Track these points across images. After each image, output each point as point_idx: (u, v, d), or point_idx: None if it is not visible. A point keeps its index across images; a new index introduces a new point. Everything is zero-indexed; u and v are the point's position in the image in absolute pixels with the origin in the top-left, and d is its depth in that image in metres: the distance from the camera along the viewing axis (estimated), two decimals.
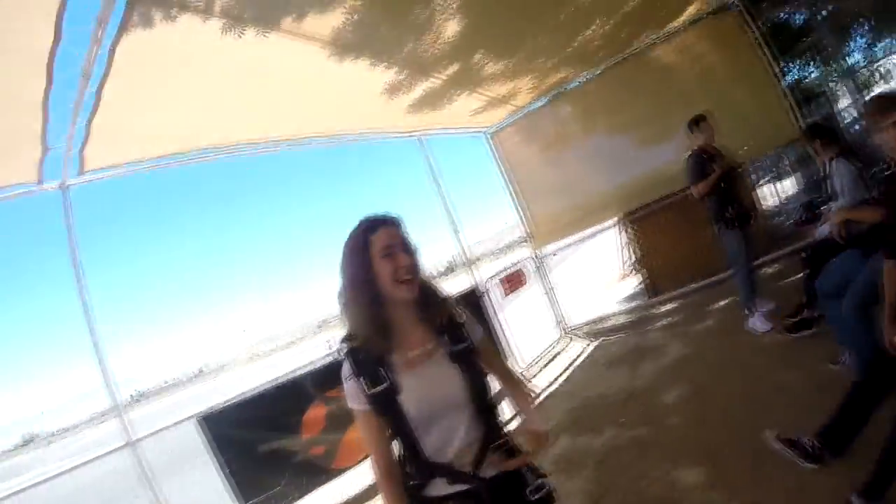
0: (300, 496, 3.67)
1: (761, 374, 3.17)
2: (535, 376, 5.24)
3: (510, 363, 5.29)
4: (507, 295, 5.68)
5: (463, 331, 1.31)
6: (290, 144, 4.28)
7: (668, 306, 5.59)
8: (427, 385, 1.22)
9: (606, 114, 5.92)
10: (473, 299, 5.19)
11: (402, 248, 1.26)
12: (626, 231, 6.46)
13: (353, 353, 1.24)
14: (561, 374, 4.95)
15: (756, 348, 3.58)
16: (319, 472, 3.75)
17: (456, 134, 6.07)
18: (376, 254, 1.24)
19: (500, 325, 5.37)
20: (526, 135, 6.35)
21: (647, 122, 5.62)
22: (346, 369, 1.24)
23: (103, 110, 2.67)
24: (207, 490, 4.21)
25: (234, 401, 3.67)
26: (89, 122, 2.73)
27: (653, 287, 6.15)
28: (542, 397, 4.52)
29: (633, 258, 8.02)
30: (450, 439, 1.22)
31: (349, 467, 3.87)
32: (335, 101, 3.99)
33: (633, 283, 7.40)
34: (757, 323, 3.78)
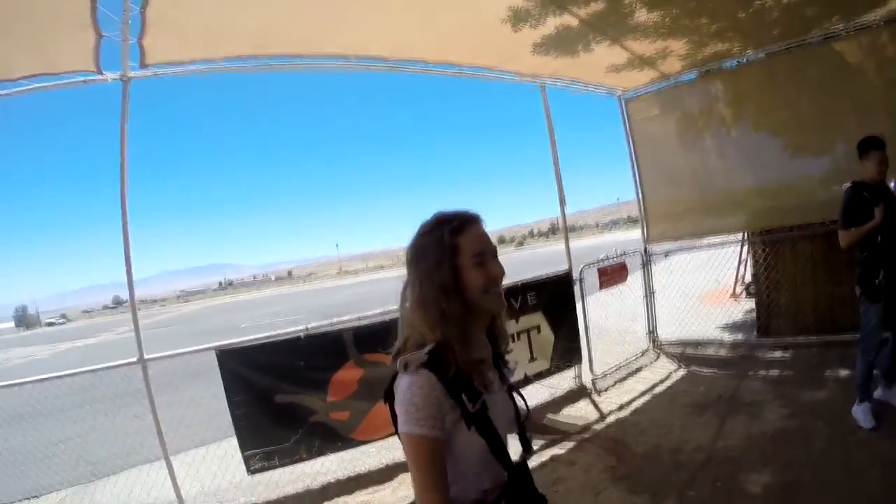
0: (307, 458, 3.37)
1: (862, 470, 2.65)
2: (607, 389, 4.57)
3: (581, 368, 4.74)
4: (602, 288, 5.00)
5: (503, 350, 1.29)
6: (390, 65, 3.74)
7: (778, 353, 4.73)
8: (503, 404, 1.19)
9: (762, 106, 4.85)
10: (564, 284, 4.69)
11: (493, 254, 1.16)
12: (754, 251, 5.37)
13: (435, 367, 1.05)
14: (634, 400, 4.23)
15: (862, 441, 2.96)
16: (336, 437, 3.39)
17: (585, 90, 5.21)
18: (467, 261, 1.12)
19: (586, 320, 4.79)
20: (665, 108, 5.39)
21: (809, 127, 4.60)
22: (427, 384, 1.04)
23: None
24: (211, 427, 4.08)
25: (259, 340, 3.36)
26: (143, 8, 2.44)
27: (766, 324, 5.19)
28: (605, 421, 3.86)
29: (751, 282, 6.86)
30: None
31: (369, 440, 3.50)
32: (452, 25, 3.42)
33: (742, 308, 6.43)
34: (860, 414, 3.17)
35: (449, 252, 1.10)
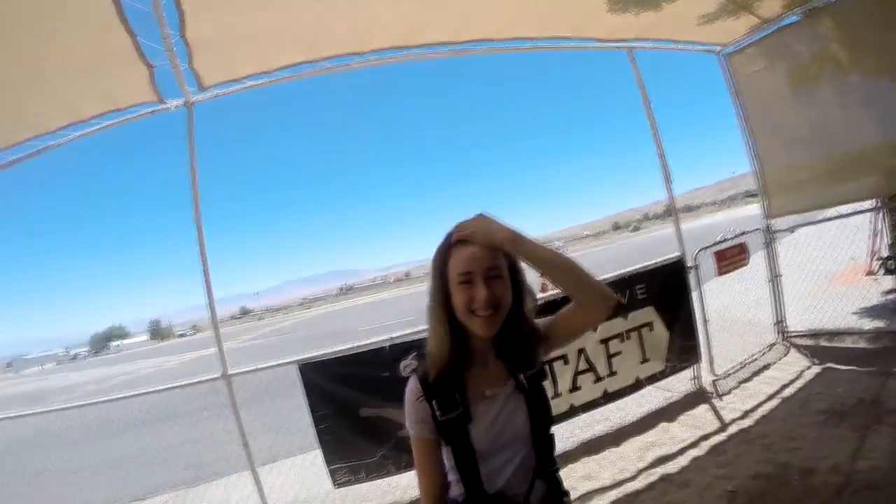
0: (396, 472, 3.24)
1: None
2: (729, 392, 4.00)
3: (699, 368, 4.20)
4: (719, 273, 4.39)
5: (538, 355, 1.23)
6: (454, 49, 3.48)
7: None
8: (498, 418, 1.17)
9: (883, 43, 4.00)
10: (677, 272, 4.10)
11: (484, 275, 1.12)
12: (893, 218, 4.47)
13: (423, 374, 1.18)
14: (761, 406, 3.63)
15: None
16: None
17: (680, 49, 4.62)
18: (453, 278, 1.14)
19: (703, 312, 4.22)
20: (772, 60, 4.65)
21: None
22: (413, 390, 1.19)
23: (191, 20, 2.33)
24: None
25: (342, 353, 3.27)
26: (182, 34, 2.43)
27: None
28: (727, 431, 3.35)
29: (890, 256, 5.81)
30: (505, 469, 1.16)
31: None
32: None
33: (880, 288, 5.43)
34: None
35: (440, 265, 1.16)
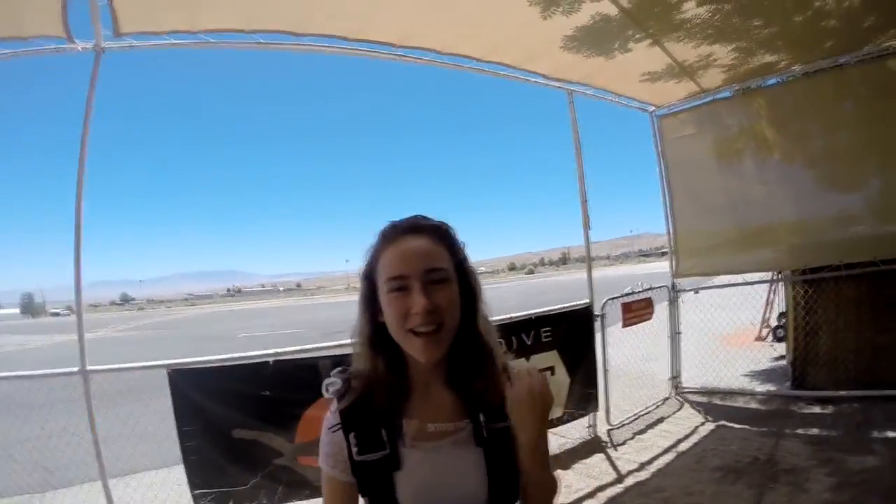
0: None
1: None
2: (624, 443, 4.03)
3: (596, 416, 4.20)
4: (625, 325, 4.47)
5: (506, 402, 0.90)
6: (396, 53, 3.32)
7: (816, 408, 4.25)
8: (438, 470, 0.87)
9: (806, 130, 4.42)
10: (584, 319, 4.13)
11: (422, 279, 0.83)
12: (794, 291, 4.84)
13: (345, 398, 0.91)
14: (656, 459, 3.66)
15: None
16: (304, 485, 2.87)
17: (615, 101, 4.73)
18: (382, 284, 0.86)
19: (605, 362, 4.30)
20: (701, 128, 4.91)
21: (857, 156, 4.19)
22: (329, 417, 0.92)
23: None
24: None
25: (220, 363, 2.88)
26: None
27: (801, 375, 4.69)
28: (623, 484, 3.32)
29: (779, 326, 6.31)
30: None
31: None
32: (471, 10, 2.97)
33: (770, 353, 5.86)
34: None
35: (369, 267, 0.91)
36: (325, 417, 0.94)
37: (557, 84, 4.13)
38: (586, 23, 3.13)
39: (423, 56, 3.35)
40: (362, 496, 0.89)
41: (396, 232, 0.89)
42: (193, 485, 2.78)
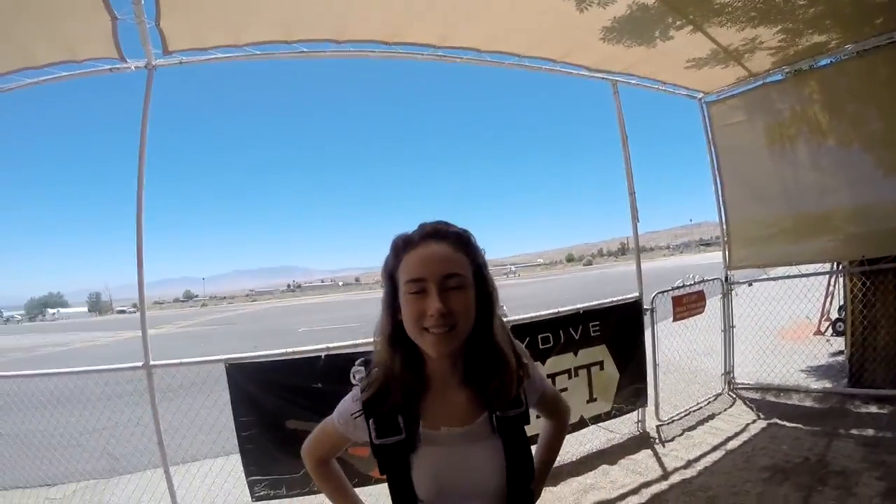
0: (320, 491, 2.96)
1: None
2: (673, 439, 3.95)
3: (645, 412, 4.16)
4: (676, 319, 4.38)
5: (521, 394, 1.02)
6: (437, 54, 3.34)
7: (873, 408, 4.05)
8: (455, 461, 0.95)
9: (862, 112, 4.15)
10: (633, 313, 4.07)
11: (440, 284, 0.90)
12: (851, 283, 4.57)
13: (367, 389, 0.99)
14: (704, 456, 3.58)
15: None
16: (353, 474, 2.96)
17: (662, 90, 4.60)
18: (402, 285, 0.93)
19: (654, 355, 4.23)
20: (752, 114, 4.71)
21: None
22: (351, 402, 1.03)
23: None
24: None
25: (275, 357, 3.03)
26: None
27: (859, 372, 4.45)
28: (668, 480, 3.26)
29: (839, 319, 6.00)
30: None
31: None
32: (507, 7, 2.96)
33: (828, 348, 5.58)
34: None
35: (390, 269, 0.98)
36: (348, 401, 1.05)
37: (601, 76, 4.07)
38: (623, 13, 3.07)
39: (464, 55, 3.36)
40: (381, 473, 0.98)
41: (419, 236, 0.95)
42: (249, 472, 2.94)
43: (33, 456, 4.73)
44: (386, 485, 2.63)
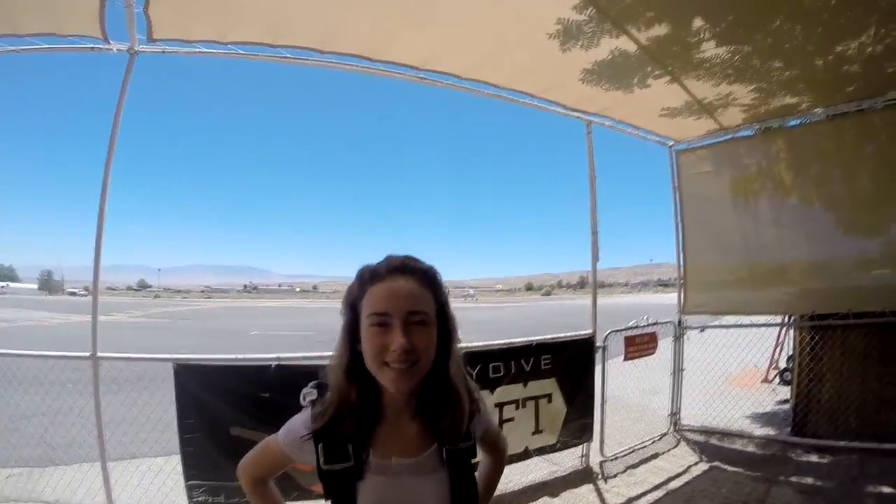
0: None
1: None
2: (615, 475, 4.00)
3: (590, 446, 4.20)
4: (627, 359, 4.44)
5: (470, 429, 1.04)
6: (417, 75, 3.38)
7: (814, 457, 4.17)
8: (402, 489, 0.96)
9: (824, 173, 4.37)
10: (585, 350, 4.13)
11: (404, 320, 0.90)
12: (801, 336, 4.74)
13: (319, 417, 0.97)
14: (646, 495, 3.64)
15: None
16: (294, 487, 2.89)
17: (635, 134, 4.74)
18: (365, 317, 0.93)
19: (603, 392, 4.29)
20: (719, 165, 4.89)
21: (875, 202, 4.13)
22: (300, 426, 1.00)
23: None
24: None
25: (225, 361, 2.99)
26: None
27: (802, 421, 4.61)
28: None
29: (787, 369, 6.21)
30: None
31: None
32: (491, 38, 3.03)
33: (774, 397, 5.81)
34: None
35: (353, 299, 0.97)
36: (297, 422, 1.02)
37: (576, 114, 4.16)
38: (605, 57, 3.16)
39: (444, 79, 3.41)
40: (326, 498, 0.97)
41: (386, 269, 0.94)
42: (188, 475, 2.87)
43: None
44: (325, 499, 2.60)
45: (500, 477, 1.30)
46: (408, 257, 0.98)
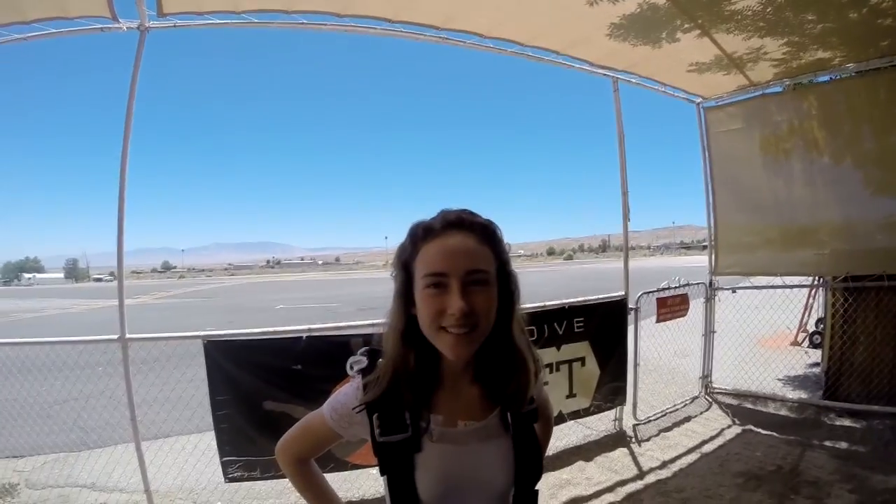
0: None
1: None
2: (649, 439, 3.99)
3: (623, 410, 4.20)
4: (659, 320, 4.38)
5: (529, 388, 0.93)
6: (439, 35, 3.26)
7: (847, 421, 4.10)
8: (462, 463, 0.88)
9: (858, 131, 4.21)
10: (618, 312, 4.08)
11: (462, 280, 0.81)
12: (833, 297, 4.64)
13: (373, 386, 0.89)
14: (680, 458, 3.61)
15: None
16: (329, 458, 2.90)
17: (662, 91, 4.60)
18: (419, 279, 0.84)
19: (636, 355, 4.24)
20: (749, 123, 4.73)
21: None
22: (352, 395, 0.93)
23: None
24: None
25: (254, 336, 2.97)
26: None
27: (834, 385, 4.50)
28: (643, 480, 3.29)
29: (816, 332, 6.11)
30: None
31: (367, 467, 3.01)
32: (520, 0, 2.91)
33: (804, 360, 5.70)
34: None
35: (405, 259, 0.88)
36: (348, 393, 0.95)
37: (602, 71, 4.04)
38: (633, 11, 3.03)
39: (467, 39, 3.29)
40: (382, 475, 0.90)
41: (441, 225, 0.85)
42: (223, 451, 2.89)
43: (1, 427, 4.63)
44: (362, 471, 2.60)
45: (548, 444, 1.23)
46: (464, 211, 0.88)
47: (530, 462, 0.92)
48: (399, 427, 0.88)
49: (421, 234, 0.86)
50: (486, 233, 0.87)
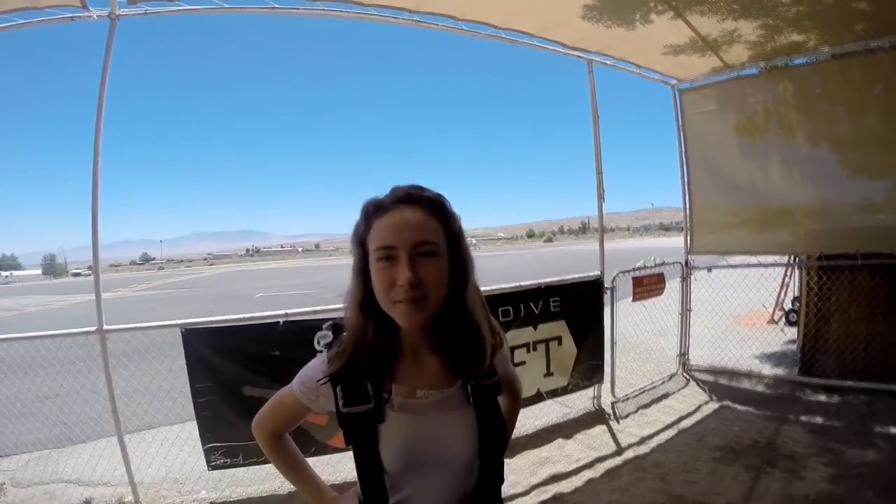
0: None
1: None
2: (627, 416, 4.07)
3: (601, 388, 4.27)
4: (635, 299, 4.46)
5: (494, 365, 0.99)
6: (413, 18, 3.26)
7: (822, 396, 4.20)
8: (425, 433, 0.91)
9: (832, 114, 4.27)
10: (594, 291, 4.14)
11: (410, 252, 0.85)
12: (808, 276, 4.72)
13: (336, 358, 0.93)
14: (658, 434, 3.70)
15: None
16: (310, 442, 2.94)
17: (637, 73, 4.63)
18: (372, 252, 0.88)
19: (612, 333, 4.29)
20: (724, 104, 4.79)
21: (884, 144, 4.02)
22: (317, 368, 0.98)
23: None
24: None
25: (232, 322, 2.96)
26: None
27: (809, 361, 4.61)
28: (622, 456, 3.38)
29: (792, 309, 6.25)
30: (429, 495, 0.92)
31: (348, 450, 3.04)
32: None
33: (781, 337, 5.80)
34: None
35: (360, 235, 0.92)
36: (313, 367, 1.00)
37: (577, 53, 4.05)
38: None
39: (440, 22, 3.29)
40: (347, 444, 0.93)
41: (391, 201, 0.89)
42: (205, 439, 2.90)
43: None
44: (344, 454, 2.62)
45: (515, 420, 1.27)
46: (413, 186, 0.92)
47: (494, 434, 0.95)
48: (362, 398, 0.90)
49: (372, 211, 0.90)
50: (433, 205, 0.90)
